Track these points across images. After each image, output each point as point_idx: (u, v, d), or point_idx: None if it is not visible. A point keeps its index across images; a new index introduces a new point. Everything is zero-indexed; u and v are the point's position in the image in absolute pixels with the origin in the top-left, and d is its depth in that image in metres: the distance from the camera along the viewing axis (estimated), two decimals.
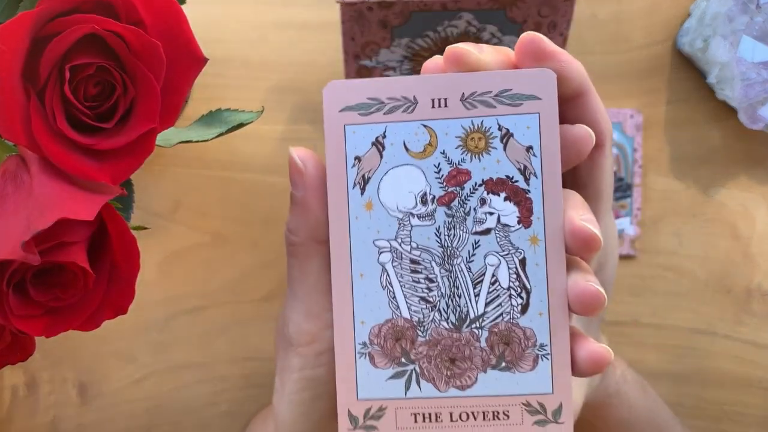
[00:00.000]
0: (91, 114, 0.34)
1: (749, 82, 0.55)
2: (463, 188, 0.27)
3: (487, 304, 0.28)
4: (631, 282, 0.64)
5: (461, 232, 0.27)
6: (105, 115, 0.35)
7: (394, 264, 0.28)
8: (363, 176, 0.28)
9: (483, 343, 0.28)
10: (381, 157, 0.27)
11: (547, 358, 0.28)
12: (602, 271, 0.35)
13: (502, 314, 0.28)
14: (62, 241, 0.34)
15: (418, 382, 0.28)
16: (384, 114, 0.27)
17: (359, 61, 0.54)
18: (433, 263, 0.27)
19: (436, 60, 0.29)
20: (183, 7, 0.35)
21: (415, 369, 0.28)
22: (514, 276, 0.28)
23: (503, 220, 0.27)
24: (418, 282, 0.28)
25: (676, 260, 0.63)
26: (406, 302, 0.28)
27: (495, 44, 0.53)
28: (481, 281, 0.28)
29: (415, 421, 0.28)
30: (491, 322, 0.28)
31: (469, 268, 0.28)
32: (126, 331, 0.65)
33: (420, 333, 0.28)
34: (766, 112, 0.56)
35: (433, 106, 0.27)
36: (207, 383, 0.65)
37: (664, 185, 0.63)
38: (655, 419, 0.51)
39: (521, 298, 0.28)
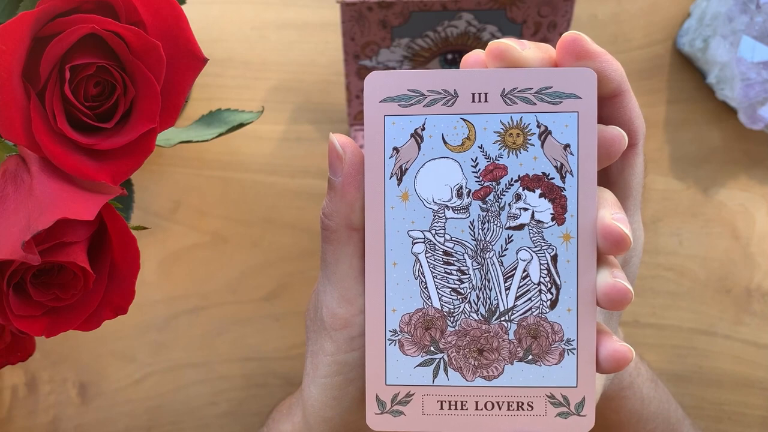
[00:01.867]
0: (91, 114, 0.34)
1: (749, 82, 0.55)
2: (499, 183, 0.28)
3: (517, 298, 0.28)
4: None
5: (495, 227, 0.28)
6: (105, 115, 0.35)
7: (428, 255, 0.28)
8: (400, 167, 0.28)
9: (511, 336, 0.28)
10: (419, 149, 0.28)
11: (573, 353, 0.28)
12: (627, 266, 0.35)
13: (531, 308, 0.28)
14: (62, 241, 0.34)
15: (445, 371, 0.29)
16: (424, 106, 0.28)
17: (359, 61, 0.54)
18: (466, 256, 0.28)
19: (477, 54, 0.29)
20: (183, 7, 0.35)
21: (443, 358, 0.29)
22: (545, 272, 0.28)
23: (537, 216, 0.28)
24: (450, 273, 0.28)
25: (676, 260, 0.63)
26: (438, 293, 0.28)
27: None
28: (513, 275, 0.28)
29: (441, 408, 0.29)
30: (520, 315, 0.28)
31: (501, 262, 0.28)
32: (126, 331, 0.65)
33: (450, 323, 0.28)
34: (766, 112, 0.56)
35: (473, 101, 0.27)
36: (207, 383, 0.65)
37: (664, 185, 0.63)
38: (666, 413, 0.51)
39: (551, 293, 0.28)
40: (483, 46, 0.53)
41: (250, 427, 0.65)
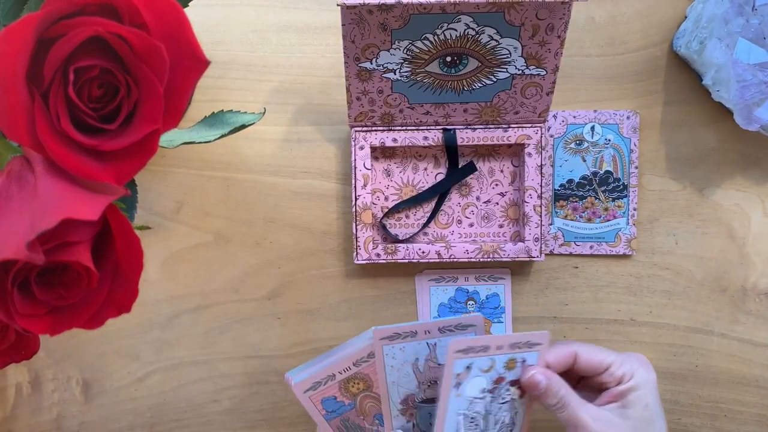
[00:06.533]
0: (95, 115, 0.34)
1: (745, 84, 0.55)
2: (501, 384, 0.54)
3: (498, 430, 0.55)
4: (627, 281, 0.64)
5: (495, 404, 0.54)
6: (109, 117, 0.35)
7: (465, 420, 0.54)
8: (458, 382, 0.53)
9: None
10: (469, 372, 0.53)
11: None
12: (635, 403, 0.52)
13: None
14: (66, 241, 0.34)
15: None
16: (475, 353, 0.52)
17: (359, 63, 0.55)
18: (479, 417, 0.55)
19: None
20: (186, 9, 0.35)
21: None
22: (510, 421, 0.55)
23: (514, 396, 0.54)
24: (472, 425, 0.55)
25: (672, 260, 0.64)
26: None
27: (493, 46, 0.54)
28: (498, 422, 0.55)
29: None
30: None
31: (495, 417, 0.55)
32: (129, 329, 0.65)
33: None
34: (762, 113, 0.56)
35: (495, 350, 0.52)
36: (209, 381, 0.65)
37: (661, 186, 0.63)
38: None
39: (512, 425, 0.56)
40: (481, 48, 0.54)
41: (251, 424, 0.66)
